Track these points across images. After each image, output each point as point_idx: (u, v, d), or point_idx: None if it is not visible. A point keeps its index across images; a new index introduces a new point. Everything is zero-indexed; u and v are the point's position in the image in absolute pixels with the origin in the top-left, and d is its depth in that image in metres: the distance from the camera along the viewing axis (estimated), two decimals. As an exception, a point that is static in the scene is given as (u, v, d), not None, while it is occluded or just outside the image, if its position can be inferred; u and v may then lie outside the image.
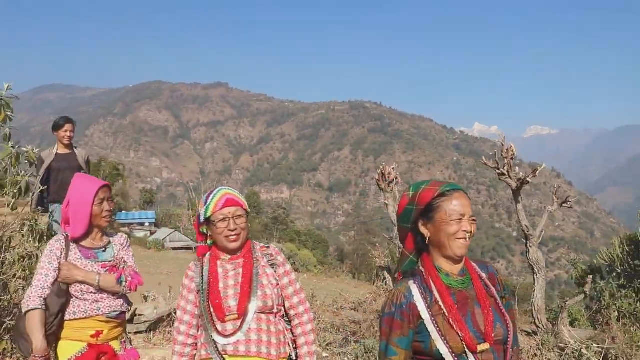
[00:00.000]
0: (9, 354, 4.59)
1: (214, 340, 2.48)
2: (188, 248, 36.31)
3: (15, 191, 5.17)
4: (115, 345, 2.99)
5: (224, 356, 2.46)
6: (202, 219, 2.62)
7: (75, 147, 6.33)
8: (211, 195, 2.63)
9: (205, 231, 2.66)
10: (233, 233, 2.57)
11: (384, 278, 9.40)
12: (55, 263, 2.91)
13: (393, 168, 9.66)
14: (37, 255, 5.19)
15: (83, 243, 3.02)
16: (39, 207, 5.79)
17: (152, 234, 46.07)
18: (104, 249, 3.06)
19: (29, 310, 2.82)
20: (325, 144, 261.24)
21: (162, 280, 10.35)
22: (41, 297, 2.84)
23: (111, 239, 3.13)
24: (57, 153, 6.15)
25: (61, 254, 2.94)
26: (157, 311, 6.19)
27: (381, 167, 9.68)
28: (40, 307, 2.82)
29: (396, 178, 9.52)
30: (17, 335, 2.92)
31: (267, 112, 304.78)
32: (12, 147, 5.15)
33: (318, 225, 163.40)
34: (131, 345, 3.11)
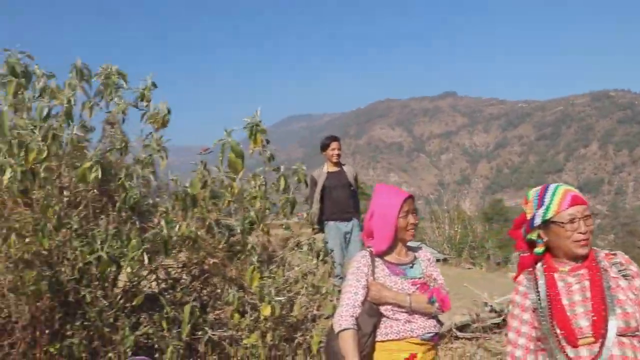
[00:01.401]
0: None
1: None
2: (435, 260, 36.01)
3: (286, 210, 5.35)
4: (429, 369, 2.70)
5: None
6: (538, 221, 2.21)
7: (343, 165, 6.42)
8: (547, 194, 2.22)
9: (534, 237, 2.25)
10: (583, 237, 2.12)
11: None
12: (363, 280, 2.74)
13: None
14: (314, 272, 5.32)
15: (388, 258, 2.81)
16: (317, 226, 5.96)
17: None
18: (411, 265, 2.81)
19: (341, 330, 2.69)
20: (568, 141, 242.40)
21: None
22: (352, 316, 2.69)
23: (416, 254, 2.88)
24: (327, 172, 6.30)
25: (368, 270, 2.76)
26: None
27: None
28: (352, 327, 2.66)
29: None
30: (330, 355, 2.82)
31: (501, 116, 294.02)
32: (277, 168, 5.35)
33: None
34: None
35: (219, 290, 4.88)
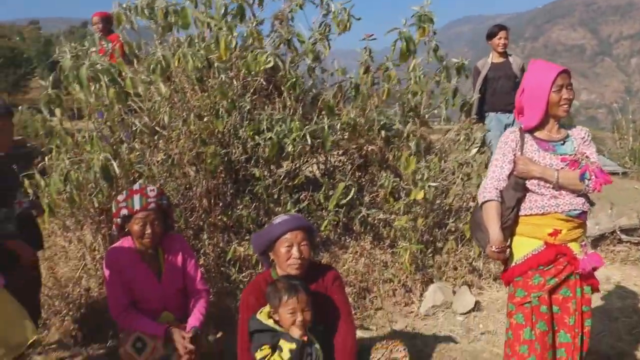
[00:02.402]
0: (453, 253, 4.84)
1: None
2: (614, 173, 33.29)
3: (446, 101, 5.33)
4: (575, 247, 2.69)
5: None
6: None
7: (510, 55, 6.17)
8: None
9: None
10: None
11: None
12: (509, 155, 2.76)
13: None
14: (471, 164, 5.33)
15: (538, 134, 2.76)
16: (475, 117, 5.89)
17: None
18: (562, 142, 2.74)
19: (485, 202, 2.77)
20: None
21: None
22: (497, 188, 2.75)
23: (569, 131, 2.80)
24: (491, 62, 6.11)
25: (516, 146, 2.76)
26: (599, 227, 5.71)
27: None
28: (495, 198, 2.73)
29: None
30: (473, 226, 2.93)
31: None
32: (441, 58, 5.28)
33: None
34: (591, 249, 2.77)
35: (375, 178, 5.11)
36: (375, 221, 4.93)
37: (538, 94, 2.69)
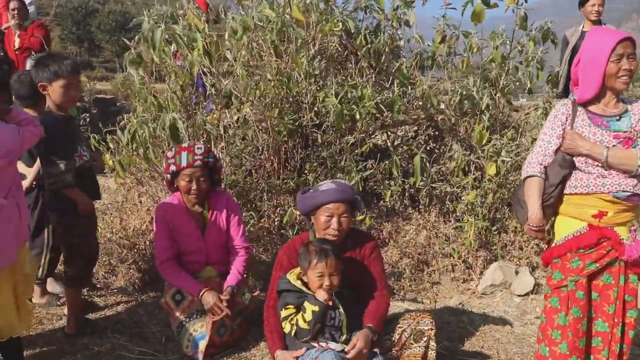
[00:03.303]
0: (520, 232, 4.62)
1: None
2: None
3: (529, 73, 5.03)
4: (622, 231, 2.47)
5: None
6: None
7: (604, 24, 5.66)
8: None
9: None
10: None
11: None
12: (558, 129, 2.57)
13: None
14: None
15: (592, 108, 2.54)
16: (559, 91, 5.51)
17: None
18: (618, 117, 2.51)
19: (527, 177, 2.62)
20: None
21: None
22: (541, 164, 2.58)
23: (629, 106, 2.55)
24: (582, 31, 5.65)
25: (566, 120, 2.56)
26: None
27: None
28: (539, 174, 2.57)
29: None
30: (514, 201, 2.79)
31: None
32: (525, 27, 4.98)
33: None
34: (644, 235, 2.53)
35: (445, 150, 4.98)
36: (443, 194, 4.82)
37: (594, 64, 2.47)
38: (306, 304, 2.62)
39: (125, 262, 4.05)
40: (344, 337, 2.64)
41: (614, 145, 2.45)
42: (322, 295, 2.61)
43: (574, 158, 2.52)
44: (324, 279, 2.61)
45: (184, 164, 3.09)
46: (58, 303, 3.64)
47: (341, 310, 2.68)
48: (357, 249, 2.88)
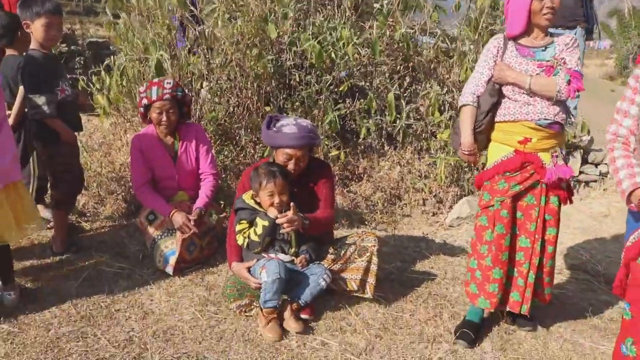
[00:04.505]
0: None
1: None
2: None
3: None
4: (544, 157, 2.68)
5: None
6: None
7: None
8: None
9: None
10: None
11: None
12: (490, 61, 2.77)
13: None
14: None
15: (521, 41, 2.74)
16: None
17: None
18: (544, 47, 2.70)
19: (461, 106, 2.84)
20: None
21: None
22: (474, 93, 2.79)
23: (555, 38, 2.73)
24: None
25: (497, 52, 2.76)
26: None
27: None
28: (471, 103, 2.78)
29: None
30: (451, 130, 3.00)
31: None
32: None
33: None
34: (565, 162, 2.75)
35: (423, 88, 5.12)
36: (419, 132, 5.01)
37: (520, 2, 2.67)
38: (258, 219, 2.89)
39: (113, 194, 4.36)
40: (292, 250, 2.93)
41: (537, 74, 2.65)
42: (273, 212, 2.87)
43: (503, 87, 2.73)
44: (274, 197, 2.88)
45: (154, 97, 3.35)
46: (48, 227, 3.96)
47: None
48: (311, 175, 3.13)
